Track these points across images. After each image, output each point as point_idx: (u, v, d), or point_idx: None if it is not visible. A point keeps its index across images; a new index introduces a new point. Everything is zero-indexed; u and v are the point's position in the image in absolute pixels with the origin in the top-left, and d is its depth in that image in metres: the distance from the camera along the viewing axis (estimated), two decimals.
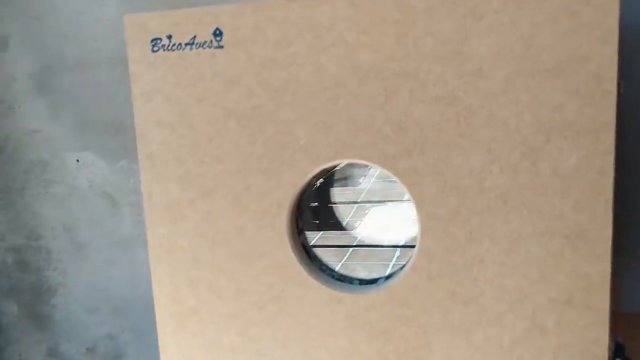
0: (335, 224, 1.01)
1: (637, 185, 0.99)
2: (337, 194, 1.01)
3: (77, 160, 1.27)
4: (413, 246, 0.73)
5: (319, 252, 0.81)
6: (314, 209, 0.90)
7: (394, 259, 0.90)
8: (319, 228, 0.88)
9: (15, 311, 1.39)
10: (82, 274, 1.33)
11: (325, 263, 0.80)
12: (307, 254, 0.78)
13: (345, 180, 1.00)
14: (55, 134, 1.27)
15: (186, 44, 0.72)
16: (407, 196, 0.83)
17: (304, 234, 0.79)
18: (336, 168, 0.88)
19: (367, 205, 1.06)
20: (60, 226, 1.32)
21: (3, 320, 1.41)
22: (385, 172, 0.70)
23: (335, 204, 1.00)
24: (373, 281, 0.77)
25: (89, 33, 1.20)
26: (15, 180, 1.32)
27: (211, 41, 0.71)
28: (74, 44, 1.21)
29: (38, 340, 1.39)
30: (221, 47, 0.71)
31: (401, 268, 0.75)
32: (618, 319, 0.80)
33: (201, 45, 0.72)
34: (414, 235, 0.80)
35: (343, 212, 1.02)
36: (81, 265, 1.32)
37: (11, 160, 1.31)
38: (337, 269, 0.81)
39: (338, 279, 0.78)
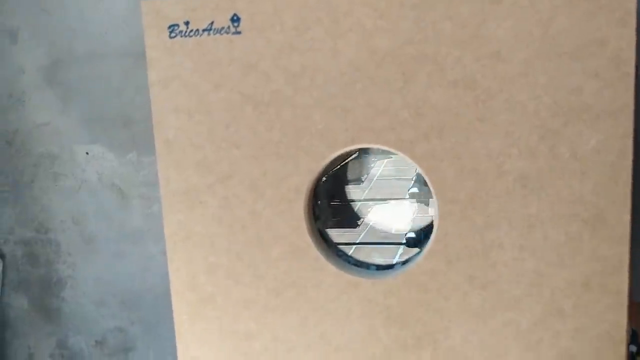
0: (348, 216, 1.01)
1: None
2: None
3: (87, 153, 1.27)
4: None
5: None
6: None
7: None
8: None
9: (25, 304, 1.39)
10: (92, 267, 1.33)
11: (342, 248, 0.80)
12: (323, 239, 0.78)
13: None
14: (65, 126, 1.27)
15: (203, 30, 0.72)
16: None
17: (321, 219, 0.79)
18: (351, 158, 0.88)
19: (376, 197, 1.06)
20: (70, 219, 1.32)
21: (12, 314, 1.41)
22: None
23: (348, 201, 1.00)
24: (390, 266, 0.78)
25: (99, 26, 1.20)
26: (24, 173, 1.32)
27: (229, 27, 0.72)
28: (83, 37, 1.21)
29: (47, 333, 1.39)
30: (239, 32, 0.72)
31: (418, 253, 0.75)
32: (632, 307, 0.80)
33: (218, 31, 0.72)
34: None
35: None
36: (90, 258, 1.33)
37: (20, 153, 1.31)
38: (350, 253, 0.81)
39: (355, 264, 0.78)
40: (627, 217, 0.66)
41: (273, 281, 0.77)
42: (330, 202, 0.93)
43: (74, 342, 1.38)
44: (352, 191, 1.00)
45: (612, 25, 0.62)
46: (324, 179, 0.80)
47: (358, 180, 1.04)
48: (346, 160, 0.91)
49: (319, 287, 0.75)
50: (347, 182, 1.00)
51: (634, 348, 0.82)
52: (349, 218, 0.97)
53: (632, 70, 0.62)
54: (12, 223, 1.36)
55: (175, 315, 0.81)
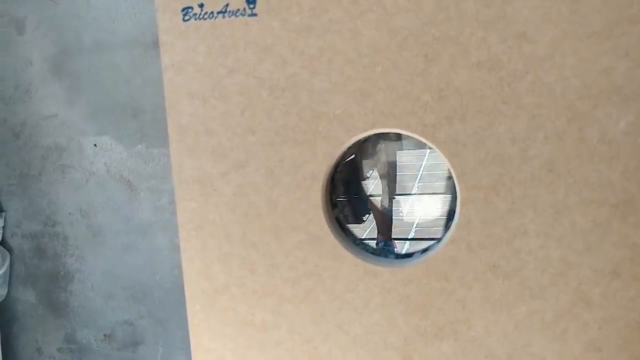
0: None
1: None
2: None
3: (95, 145, 1.26)
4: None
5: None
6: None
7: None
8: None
9: (32, 298, 1.38)
10: (100, 260, 1.31)
11: (360, 237, 0.78)
12: (341, 227, 0.76)
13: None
14: (72, 118, 1.25)
15: (218, 12, 0.71)
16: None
17: (339, 207, 0.77)
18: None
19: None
20: (78, 212, 1.30)
21: (20, 307, 1.40)
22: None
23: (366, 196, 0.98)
24: (409, 255, 0.76)
25: (106, 15, 1.18)
26: (31, 166, 1.31)
27: (244, 9, 0.70)
28: (90, 27, 1.19)
29: (55, 327, 1.38)
30: (254, 15, 0.70)
31: (438, 241, 0.73)
32: None
33: (234, 13, 0.70)
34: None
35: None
36: (98, 251, 1.31)
37: (27, 146, 1.30)
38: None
39: (373, 253, 0.76)
40: None
41: (289, 271, 0.75)
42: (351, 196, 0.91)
43: (81, 336, 1.37)
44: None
45: None
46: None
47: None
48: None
49: (336, 277, 0.73)
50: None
51: None
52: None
53: None
54: (19, 216, 1.34)
55: (188, 305, 0.79)
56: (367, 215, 1.02)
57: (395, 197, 1.04)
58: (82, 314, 1.35)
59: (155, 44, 0.90)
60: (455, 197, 0.69)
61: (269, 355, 0.78)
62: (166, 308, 1.31)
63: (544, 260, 0.67)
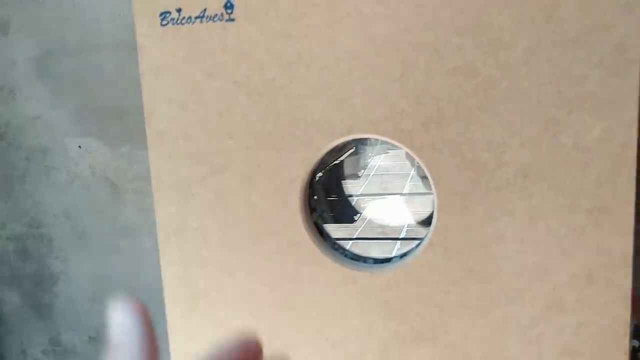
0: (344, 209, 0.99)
1: None
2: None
3: (79, 147, 1.25)
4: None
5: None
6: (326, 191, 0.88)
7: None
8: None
9: (17, 300, 1.37)
10: (85, 262, 1.31)
11: (339, 242, 0.78)
12: (319, 232, 0.76)
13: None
14: (57, 119, 1.24)
15: (196, 17, 0.70)
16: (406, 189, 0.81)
17: (317, 211, 0.77)
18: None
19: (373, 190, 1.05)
20: (62, 214, 1.30)
21: (4, 310, 1.39)
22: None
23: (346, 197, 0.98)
24: (388, 260, 0.76)
25: (91, 16, 1.17)
26: (15, 167, 1.30)
27: (222, 14, 0.70)
28: (75, 28, 1.19)
29: (40, 330, 1.37)
30: (232, 20, 0.70)
31: (417, 246, 0.73)
32: (634, 302, 0.78)
33: (212, 18, 0.70)
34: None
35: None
36: (83, 253, 1.30)
37: (12, 147, 1.29)
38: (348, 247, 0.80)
39: (352, 258, 0.76)
40: (630, 209, 0.64)
41: (268, 275, 0.75)
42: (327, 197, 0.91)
43: (66, 338, 1.36)
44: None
45: (617, 10, 0.60)
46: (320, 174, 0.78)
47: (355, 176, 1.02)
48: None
49: (315, 282, 0.74)
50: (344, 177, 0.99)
51: (636, 343, 0.80)
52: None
53: (637, 57, 0.60)
54: (3, 218, 1.34)
55: (168, 310, 0.79)
56: (357, 215, 1.02)
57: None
58: (67, 316, 1.35)
59: None
60: None
61: None
62: (152, 310, 1.30)
63: (520, 265, 0.67)
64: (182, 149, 0.74)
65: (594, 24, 0.61)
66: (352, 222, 1.01)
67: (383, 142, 0.82)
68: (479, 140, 0.66)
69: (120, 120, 1.22)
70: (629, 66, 0.61)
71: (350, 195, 1.02)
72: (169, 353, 0.81)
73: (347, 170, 1.00)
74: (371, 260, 0.76)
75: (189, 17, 0.71)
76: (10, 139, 1.29)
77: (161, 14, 0.71)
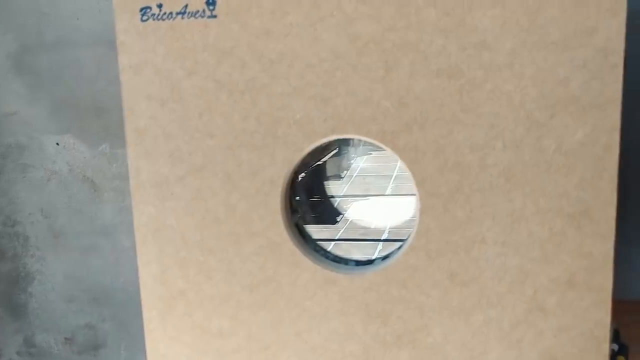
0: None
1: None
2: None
3: (57, 144, 1.23)
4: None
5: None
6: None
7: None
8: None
9: None
10: (61, 262, 1.28)
11: (320, 243, 0.78)
12: (300, 233, 0.75)
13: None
14: (34, 116, 1.22)
15: (177, 13, 0.69)
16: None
17: (298, 212, 0.76)
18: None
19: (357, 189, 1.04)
20: (39, 212, 1.27)
21: None
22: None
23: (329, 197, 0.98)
24: (369, 262, 0.75)
25: (69, 11, 1.15)
26: None
27: (204, 10, 0.68)
28: (53, 23, 1.17)
29: (14, 330, 1.34)
30: (214, 16, 0.68)
31: (398, 248, 0.73)
32: (614, 305, 0.78)
33: (193, 14, 0.69)
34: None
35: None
36: (60, 252, 1.28)
37: None
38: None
39: (333, 260, 0.75)
40: (612, 213, 0.64)
41: (247, 277, 0.74)
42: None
43: (41, 339, 1.33)
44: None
45: (601, 14, 0.60)
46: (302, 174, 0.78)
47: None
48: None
49: (295, 283, 0.73)
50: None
51: (615, 346, 0.81)
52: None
53: (620, 61, 0.61)
54: None
55: (144, 311, 0.78)
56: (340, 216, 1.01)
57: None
58: (42, 317, 1.32)
59: None
60: None
61: None
62: (129, 311, 1.28)
63: (501, 269, 0.67)
64: (162, 147, 0.72)
65: (577, 28, 0.61)
66: (334, 223, 1.00)
67: (366, 143, 0.82)
68: (462, 142, 0.65)
69: (99, 117, 1.20)
70: (612, 70, 0.61)
71: (333, 196, 1.02)
72: (145, 353, 0.80)
73: (330, 170, 1.00)
74: (352, 263, 0.75)
75: (170, 13, 0.69)
76: None
77: (142, 9, 0.70)
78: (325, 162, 0.94)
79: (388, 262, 0.72)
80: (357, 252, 0.94)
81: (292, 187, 0.74)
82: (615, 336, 0.83)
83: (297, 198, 0.80)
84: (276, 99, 0.69)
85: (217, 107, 0.70)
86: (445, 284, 0.69)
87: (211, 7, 0.68)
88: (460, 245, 0.68)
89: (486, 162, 0.65)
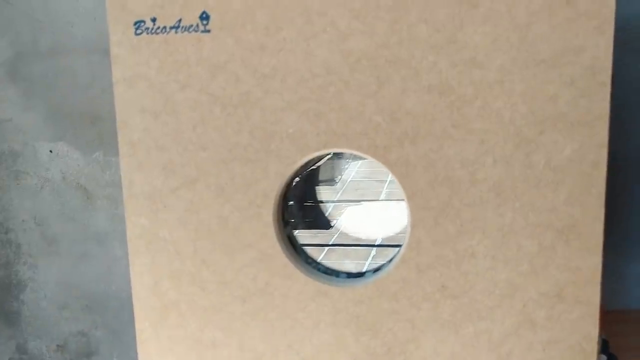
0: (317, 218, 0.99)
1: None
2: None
3: (50, 151, 1.23)
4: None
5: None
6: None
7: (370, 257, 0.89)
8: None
9: None
10: (54, 269, 1.28)
11: (312, 255, 0.78)
12: (293, 246, 0.76)
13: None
14: (28, 123, 1.22)
15: (171, 27, 0.70)
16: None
17: (290, 225, 0.77)
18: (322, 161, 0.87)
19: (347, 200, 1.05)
20: (31, 219, 1.27)
21: None
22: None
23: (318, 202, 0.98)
24: (360, 274, 0.76)
25: (64, 19, 1.16)
26: None
27: (197, 25, 0.69)
28: (48, 30, 1.17)
29: (6, 337, 1.34)
30: (208, 31, 0.69)
31: (389, 261, 0.74)
32: (603, 315, 0.79)
33: (187, 29, 0.69)
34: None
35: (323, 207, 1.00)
36: (53, 260, 1.28)
37: None
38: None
39: (325, 272, 0.76)
40: (600, 228, 0.65)
41: (239, 288, 0.74)
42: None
43: (33, 347, 1.33)
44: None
45: (589, 33, 0.61)
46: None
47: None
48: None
49: (287, 295, 0.73)
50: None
51: (604, 357, 0.82)
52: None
53: (608, 79, 0.62)
54: None
55: (137, 322, 0.78)
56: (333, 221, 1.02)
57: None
58: (34, 324, 1.32)
59: None
60: None
61: None
62: (122, 319, 1.29)
63: (491, 282, 0.68)
64: (155, 160, 0.73)
65: (566, 46, 0.62)
66: (327, 229, 1.01)
67: None
68: (453, 157, 0.66)
69: (93, 125, 1.20)
70: (600, 88, 0.62)
71: (326, 202, 1.02)
72: None
73: (323, 175, 1.00)
74: (344, 275, 0.76)
75: (164, 27, 0.70)
76: None
77: (135, 23, 0.70)
78: (319, 167, 0.95)
79: (379, 275, 0.72)
80: (350, 256, 0.95)
81: (285, 195, 0.75)
82: (604, 346, 0.84)
83: (291, 203, 0.81)
84: (269, 113, 0.69)
85: (211, 120, 0.71)
86: (435, 297, 0.70)
87: (205, 22, 0.69)
88: (451, 258, 0.68)
89: (476, 177, 0.66)
